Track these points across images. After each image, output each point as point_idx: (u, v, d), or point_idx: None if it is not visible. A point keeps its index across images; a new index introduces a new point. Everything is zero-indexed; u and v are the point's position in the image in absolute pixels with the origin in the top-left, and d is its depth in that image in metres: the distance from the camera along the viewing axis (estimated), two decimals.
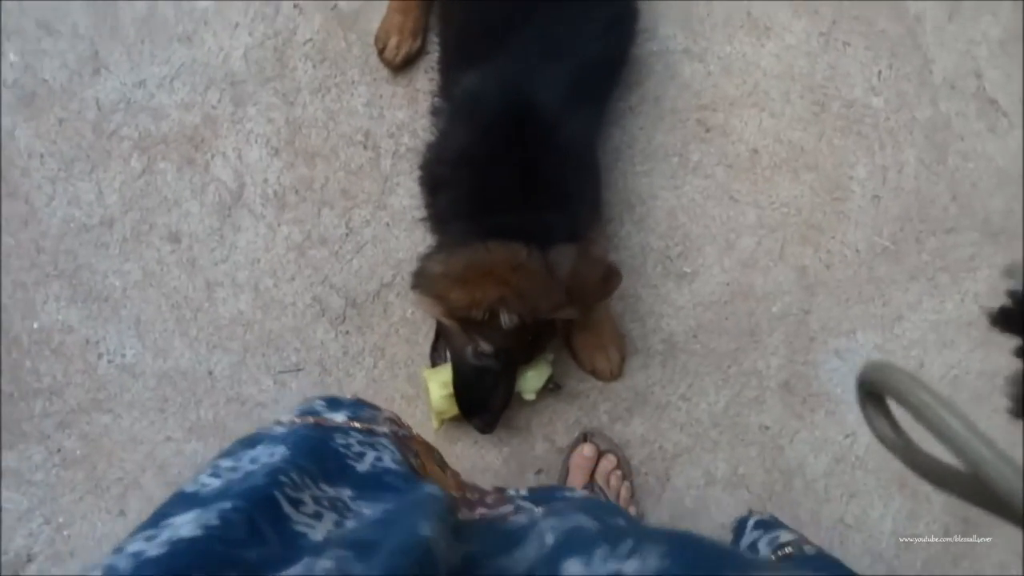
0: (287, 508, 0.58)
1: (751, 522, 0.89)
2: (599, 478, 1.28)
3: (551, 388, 1.30)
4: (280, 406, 1.32)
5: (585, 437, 1.31)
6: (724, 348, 1.38)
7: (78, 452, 1.29)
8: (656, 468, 1.36)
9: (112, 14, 1.38)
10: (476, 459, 1.34)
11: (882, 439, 0.37)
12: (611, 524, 0.65)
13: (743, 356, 1.38)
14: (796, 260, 1.41)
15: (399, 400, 1.33)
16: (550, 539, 0.60)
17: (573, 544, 0.56)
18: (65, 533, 1.27)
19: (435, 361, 1.26)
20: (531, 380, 1.24)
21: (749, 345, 1.39)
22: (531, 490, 0.88)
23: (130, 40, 1.38)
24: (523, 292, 1.04)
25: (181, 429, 1.30)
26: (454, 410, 1.21)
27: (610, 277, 1.10)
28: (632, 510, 1.29)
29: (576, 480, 1.28)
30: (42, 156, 1.34)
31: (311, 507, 0.60)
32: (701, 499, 1.36)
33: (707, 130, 1.44)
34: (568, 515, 0.66)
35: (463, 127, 1.15)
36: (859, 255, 1.43)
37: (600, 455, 1.30)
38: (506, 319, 1.06)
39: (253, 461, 0.64)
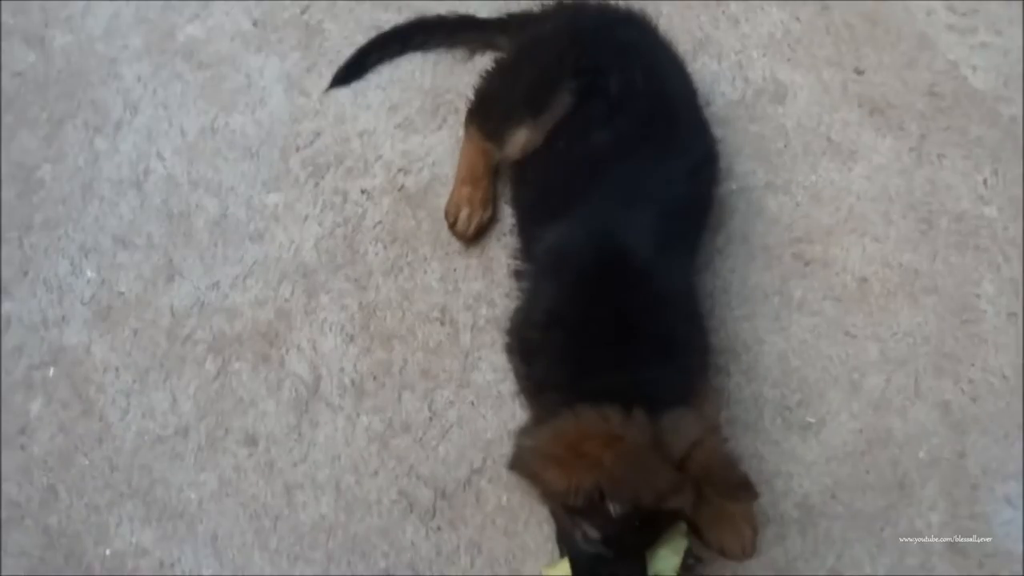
0: None
1: None
2: None
3: (691, 563, 1.21)
4: None
5: None
6: (871, 507, 1.28)
7: None
8: None
9: (186, 221, 1.51)
10: None
11: None
12: None
13: (896, 515, 1.28)
14: (935, 395, 1.34)
15: None
16: None
17: None
18: None
19: (562, 552, 1.21)
20: (665, 560, 1.14)
21: (900, 501, 1.28)
22: None
23: (203, 244, 1.49)
24: (621, 476, 0.99)
25: None
26: None
27: (744, 489, 1.02)
28: None
29: None
30: (117, 369, 1.42)
31: None
32: None
33: (806, 264, 1.43)
34: None
35: (551, 284, 1.18)
36: (1007, 382, 1.35)
37: None
38: (615, 508, 1.02)
39: None
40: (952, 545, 1.26)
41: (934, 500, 1.28)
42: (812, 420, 1.33)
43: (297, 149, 1.55)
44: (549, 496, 1.09)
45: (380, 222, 1.48)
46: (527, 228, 1.34)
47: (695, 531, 1.23)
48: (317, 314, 1.42)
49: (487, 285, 1.43)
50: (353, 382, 1.38)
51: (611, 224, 1.19)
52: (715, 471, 1.02)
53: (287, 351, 1.40)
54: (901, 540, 1.26)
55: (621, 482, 1.00)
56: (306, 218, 1.49)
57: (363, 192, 1.51)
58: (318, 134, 1.55)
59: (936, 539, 1.26)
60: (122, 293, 1.47)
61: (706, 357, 1.27)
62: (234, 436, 1.36)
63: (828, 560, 1.27)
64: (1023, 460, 1.30)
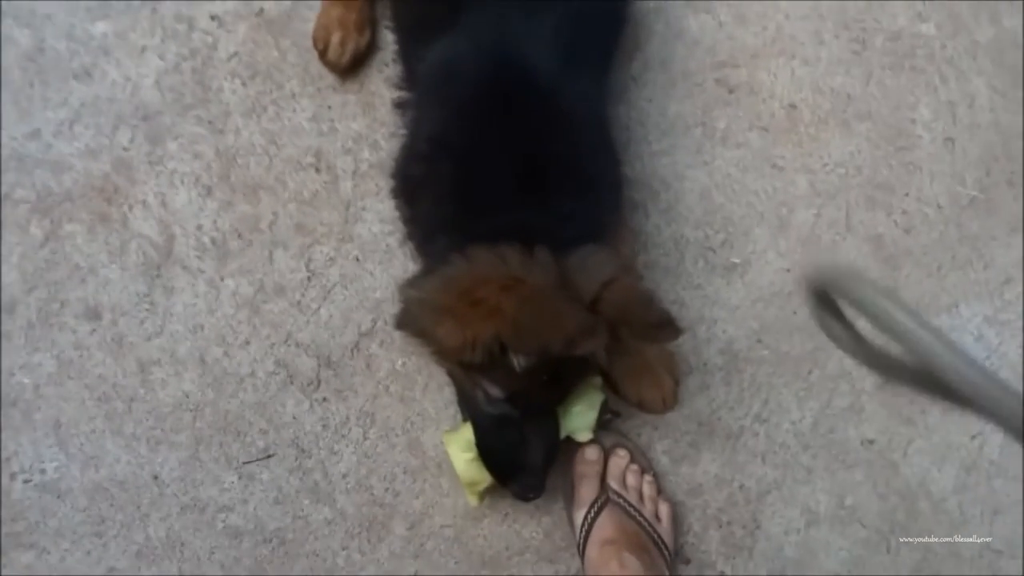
0: None
1: None
2: (613, 482, 1.11)
3: (608, 418, 1.13)
4: (251, 506, 1.15)
5: None
6: (799, 350, 1.22)
7: None
8: (740, 514, 1.19)
9: None
10: (510, 538, 1.16)
11: (833, 339, 0.39)
12: None
13: (824, 356, 1.22)
14: (867, 229, 1.27)
15: (401, 476, 1.16)
16: None
17: None
18: None
19: (465, 417, 1.10)
20: (580, 416, 1.06)
21: (829, 342, 1.23)
22: None
23: (16, 85, 1.25)
24: (523, 324, 0.86)
25: (127, 556, 1.12)
26: (488, 477, 1.04)
27: (666, 326, 0.89)
28: (664, 508, 1.12)
29: (586, 493, 1.10)
30: None
31: None
32: (804, 545, 1.18)
33: (730, 91, 1.31)
34: None
35: (435, 107, 1.02)
36: (942, 212, 1.29)
37: (607, 454, 1.13)
38: (519, 361, 0.90)
39: None
40: (883, 384, 1.22)
41: None
42: (737, 261, 1.25)
43: None
44: (444, 355, 0.96)
45: (236, 53, 1.27)
46: (409, 49, 1.15)
47: (611, 385, 1.15)
48: (164, 164, 1.23)
49: (368, 124, 1.26)
50: (214, 241, 1.21)
51: (505, 34, 1.02)
52: (632, 309, 0.90)
53: (130, 208, 1.21)
54: (829, 381, 1.21)
55: (524, 330, 0.87)
56: (143, 50, 1.26)
57: (213, 18, 1.28)
58: None
59: (866, 378, 1.22)
60: None
61: (620, 192, 1.15)
62: (72, 309, 1.18)
63: (754, 407, 1.21)
64: (955, 292, 1.26)
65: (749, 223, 1.26)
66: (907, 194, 1.29)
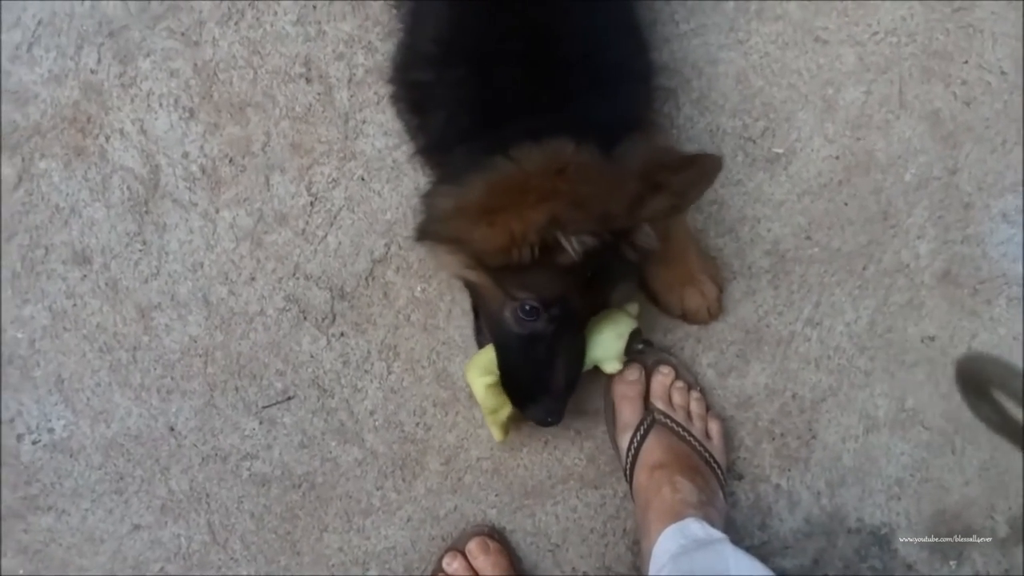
0: None
1: None
2: (657, 402, 1.09)
3: (639, 348, 1.09)
4: (275, 452, 1.13)
5: None
6: (852, 244, 1.17)
7: (21, 572, 1.11)
8: (795, 425, 1.16)
9: None
10: (552, 465, 1.14)
11: (990, 425, 0.46)
12: None
13: (880, 249, 1.17)
14: (923, 104, 1.19)
15: (431, 409, 1.13)
16: None
17: None
18: None
19: (481, 344, 1.05)
20: (608, 343, 1.02)
21: (884, 233, 1.17)
22: None
23: None
24: (583, 197, 0.81)
25: (151, 511, 1.11)
26: (509, 405, 1.01)
27: (706, 162, 0.84)
28: (714, 426, 1.10)
29: (630, 416, 1.08)
30: None
31: None
32: (863, 452, 1.16)
33: None
34: None
35: (441, 3, 0.94)
36: (1006, 78, 1.20)
37: (649, 373, 1.10)
38: (574, 245, 0.84)
39: None
40: (944, 275, 1.17)
41: (922, 227, 1.18)
42: (780, 151, 1.18)
43: None
44: (480, 259, 0.90)
45: None
46: None
47: (652, 298, 1.11)
48: (139, 86, 1.15)
49: (360, 24, 1.17)
50: (203, 169, 1.14)
51: None
52: (662, 159, 0.84)
53: (107, 139, 1.14)
54: (886, 276, 1.17)
55: (585, 200, 0.81)
56: None
57: None
58: None
59: (926, 270, 1.17)
60: None
61: (651, 82, 1.07)
62: (58, 255, 1.13)
63: (804, 310, 1.17)
64: (1022, 169, 1.19)
65: (792, 107, 1.18)
66: (966, 61, 1.20)
